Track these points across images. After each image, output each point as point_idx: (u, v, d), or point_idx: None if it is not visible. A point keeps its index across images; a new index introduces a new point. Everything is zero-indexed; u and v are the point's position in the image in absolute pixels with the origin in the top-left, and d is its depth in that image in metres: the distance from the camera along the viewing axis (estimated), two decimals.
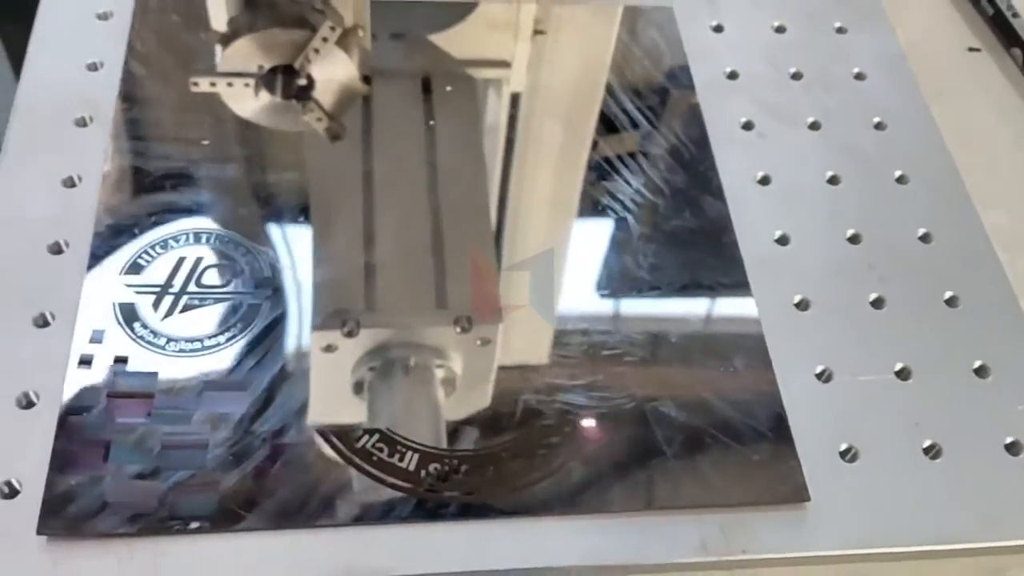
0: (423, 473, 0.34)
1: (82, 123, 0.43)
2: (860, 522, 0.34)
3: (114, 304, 0.37)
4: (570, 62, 0.49)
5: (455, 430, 0.35)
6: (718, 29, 0.50)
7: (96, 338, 0.36)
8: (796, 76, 0.49)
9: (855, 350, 0.39)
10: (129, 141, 0.42)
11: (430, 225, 0.41)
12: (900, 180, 0.45)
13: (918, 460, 0.36)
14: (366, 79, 0.45)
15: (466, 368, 0.38)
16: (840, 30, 0.51)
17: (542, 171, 0.46)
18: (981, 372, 0.39)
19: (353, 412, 0.36)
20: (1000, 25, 0.53)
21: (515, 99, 0.47)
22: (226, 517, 0.32)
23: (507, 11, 0.49)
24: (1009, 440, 0.37)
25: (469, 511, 0.33)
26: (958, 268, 0.42)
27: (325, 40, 0.42)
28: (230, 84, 0.43)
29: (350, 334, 0.37)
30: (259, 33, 0.42)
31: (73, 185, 0.40)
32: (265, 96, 0.43)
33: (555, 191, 0.45)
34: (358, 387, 0.37)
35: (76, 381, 0.35)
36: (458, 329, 0.38)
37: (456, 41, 0.49)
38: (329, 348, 0.37)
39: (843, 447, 0.36)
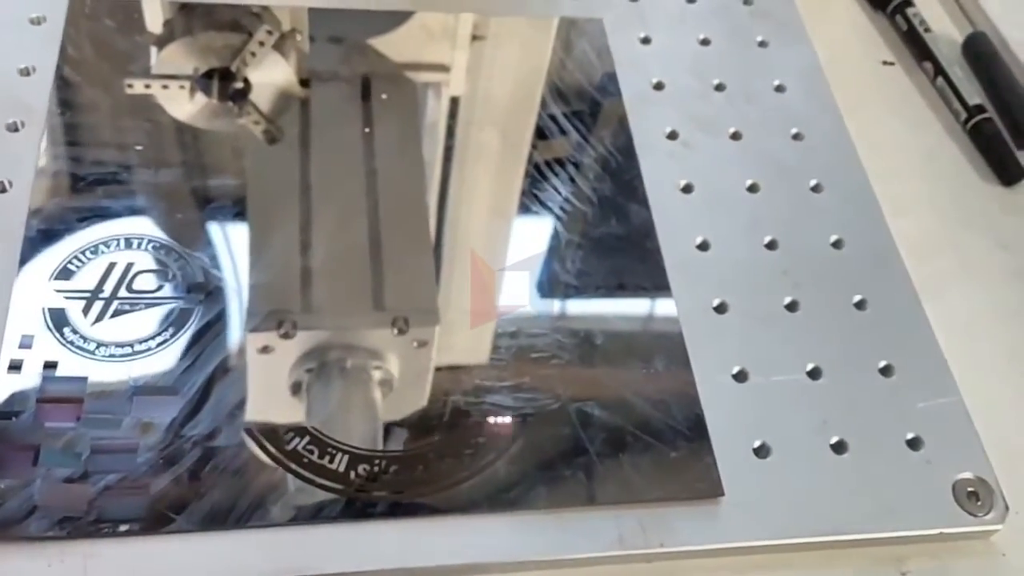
0: (352, 474, 0.35)
1: (13, 128, 0.42)
2: (771, 515, 0.36)
3: (44, 309, 0.37)
4: (508, 69, 0.50)
5: (385, 431, 0.36)
6: (646, 41, 0.52)
7: (25, 343, 0.36)
8: (719, 87, 0.50)
9: (769, 351, 0.41)
10: (61, 146, 0.42)
11: (367, 227, 0.42)
12: (815, 189, 0.47)
13: (825, 456, 0.38)
14: (304, 82, 0.45)
15: (403, 370, 0.38)
16: (762, 44, 0.53)
17: (481, 175, 0.46)
18: (886, 372, 0.41)
19: (291, 413, 0.37)
20: (913, 40, 0.55)
21: (454, 103, 0.48)
22: (156, 519, 0.33)
23: (445, 18, 0.50)
24: (910, 436, 0.39)
25: (397, 510, 0.34)
26: (867, 273, 0.44)
27: (262, 44, 0.43)
28: (165, 86, 0.43)
29: (286, 335, 0.38)
30: (194, 36, 0.42)
31: (4, 190, 0.40)
32: (201, 98, 0.44)
33: (494, 195, 0.46)
34: (296, 388, 0.37)
35: (5, 386, 0.35)
36: (395, 331, 0.39)
37: (395, 45, 0.49)
38: (265, 349, 0.38)
39: (756, 444, 0.38)
